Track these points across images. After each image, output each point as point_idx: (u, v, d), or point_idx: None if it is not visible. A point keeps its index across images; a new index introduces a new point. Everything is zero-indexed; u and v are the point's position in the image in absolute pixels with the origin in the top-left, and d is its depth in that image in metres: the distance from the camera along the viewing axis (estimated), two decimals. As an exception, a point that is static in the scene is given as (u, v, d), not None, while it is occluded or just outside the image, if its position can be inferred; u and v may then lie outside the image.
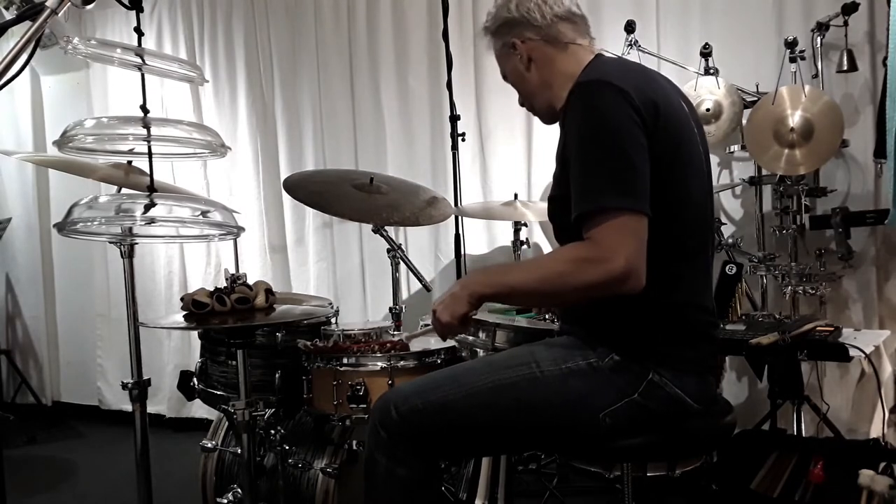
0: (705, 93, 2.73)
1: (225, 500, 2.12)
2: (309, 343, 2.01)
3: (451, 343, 1.94)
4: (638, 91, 1.35)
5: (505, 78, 1.65)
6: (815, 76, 2.69)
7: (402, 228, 3.43)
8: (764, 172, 2.73)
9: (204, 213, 2.01)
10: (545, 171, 3.23)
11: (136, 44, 1.99)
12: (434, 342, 2.05)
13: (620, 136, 1.32)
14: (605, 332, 1.45)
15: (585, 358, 1.44)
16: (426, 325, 1.90)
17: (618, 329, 1.43)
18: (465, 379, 1.48)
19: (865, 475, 1.85)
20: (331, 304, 2.35)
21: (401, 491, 1.47)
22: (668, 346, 1.43)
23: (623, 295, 1.30)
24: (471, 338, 1.85)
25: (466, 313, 1.46)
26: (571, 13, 1.55)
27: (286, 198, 3.66)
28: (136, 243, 2.22)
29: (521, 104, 1.67)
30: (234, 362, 1.96)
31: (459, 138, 2.87)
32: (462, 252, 2.89)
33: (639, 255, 1.29)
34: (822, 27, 2.65)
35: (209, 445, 2.27)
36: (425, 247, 3.44)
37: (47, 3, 1.13)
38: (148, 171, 2.10)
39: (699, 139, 1.51)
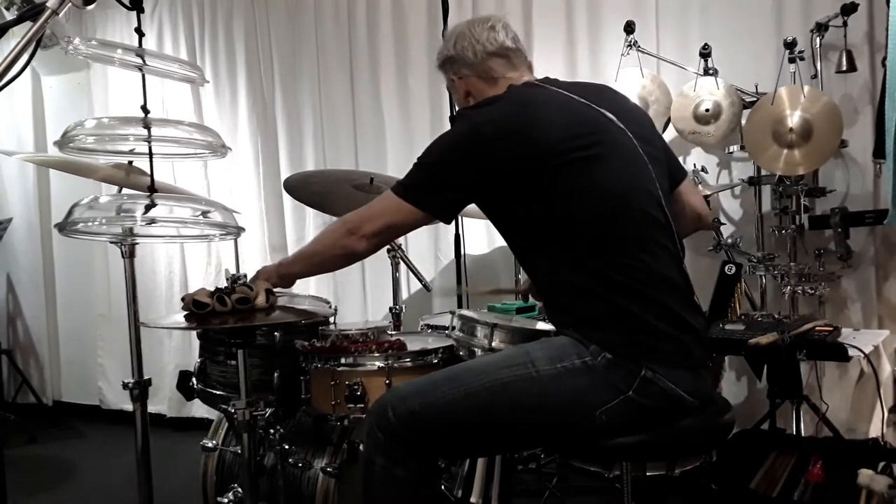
0: (705, 93, 2.73)
1: (225, 500, 2.12)
2: (306, 343, 2.01)
3: (449, 342, 1.96)
4: (502, 123, 1.49)
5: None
6: (815, 76, 2.69)
7: (402, 228, 3.42)
8: (763, 172, 2.74)
9: (204, 214, 2.01)
10: (545, 171, 3.23)
11: (136, 44, 1.99)
12: (431, 341, 2.07)
13: (443, 155, 1.57)
14: (592, 332, 1.46)
15: (581, 356, 1.45)
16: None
17: (601, 327, 1.45)
18: (462, 380, 1.49)
19: (864, 475, 1.85)
20: (330, 304, 2.35)
21: (399, 491, 1.48)
22: (652, 340, 1.43)
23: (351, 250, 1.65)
24: (474, 339, 1.86)
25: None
26: (504, 48, 1.67)
27: (286, 198, 3.66)
28: (137, 243, 2.22)
29: None
30: (232, 362, 1.96)
31: (459, 138, 2.86)
32: (462, 252, 2.89)
33: (368, 220, 1.61)
34: (821, 27, 2.65)
35: (210, 445, 2.27)
36: (425, 247, 3.44)
37: (48, 4, 1.14)
38: (148, 172, 2.10)
39: (631, 135, 1.55)
